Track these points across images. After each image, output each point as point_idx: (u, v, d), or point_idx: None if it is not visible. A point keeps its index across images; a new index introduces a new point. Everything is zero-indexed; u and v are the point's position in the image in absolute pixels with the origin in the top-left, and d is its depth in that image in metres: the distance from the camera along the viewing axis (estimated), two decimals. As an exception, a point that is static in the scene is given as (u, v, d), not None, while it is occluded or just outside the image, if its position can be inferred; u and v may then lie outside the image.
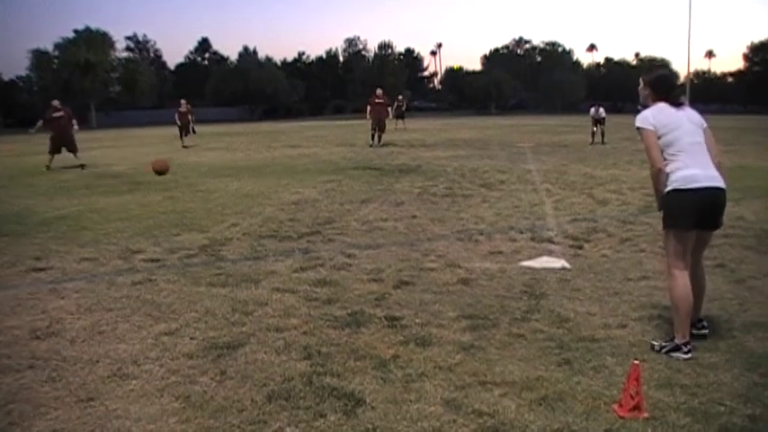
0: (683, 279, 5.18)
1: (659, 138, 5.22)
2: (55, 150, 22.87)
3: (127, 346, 5.57)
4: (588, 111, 31.70)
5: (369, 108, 31.17)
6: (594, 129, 30.13)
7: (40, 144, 24.55)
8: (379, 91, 31.74)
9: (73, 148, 23.15)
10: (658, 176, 5.27)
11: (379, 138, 30.33)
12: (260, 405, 4.38)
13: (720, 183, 5.14)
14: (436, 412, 4.21)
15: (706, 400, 4.31)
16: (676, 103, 5.38)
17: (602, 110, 30.48)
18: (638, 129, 5.35)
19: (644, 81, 5.58)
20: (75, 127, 23.61)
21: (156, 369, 5.05)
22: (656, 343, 5.23)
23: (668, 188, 5.20)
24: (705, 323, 5.45)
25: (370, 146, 29.29)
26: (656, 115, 5.30)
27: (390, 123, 44.45)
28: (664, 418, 4.06)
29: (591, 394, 4.42)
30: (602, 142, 29.15)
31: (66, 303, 6.81)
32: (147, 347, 5.52)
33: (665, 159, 5.22)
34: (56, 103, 23.92)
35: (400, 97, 49.46)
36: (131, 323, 6.14)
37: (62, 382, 4.86)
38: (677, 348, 5.07)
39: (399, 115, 46.40)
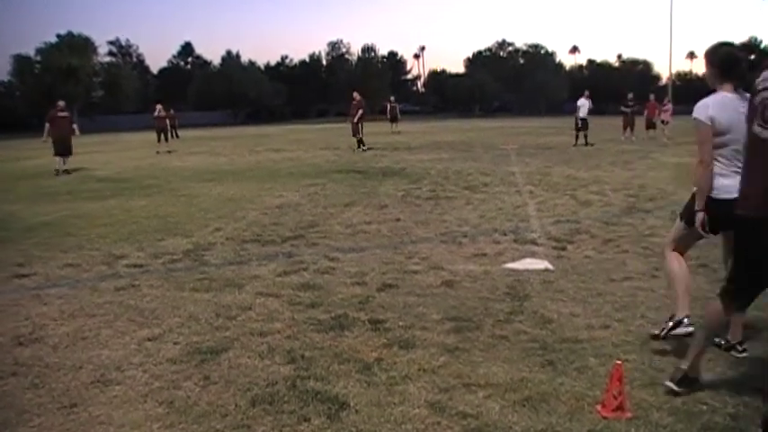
0: (676, 257, 5.28)
1: (719, 135, 4.88)
2: (59, 152, 22.89)
3: (110, 351, 5.55)
4: (575, 110, 31.02)
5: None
6: (578, 132, 29.93)
7: (22, 149, 24.48)
8: (354, 94, 31.56)
9: (69, 152, 23.17)
10: (704, 174, 4.95)
11: (358, 143, 30.00)
12: (244, 410, 4.37)
13: None
14: (420, 415, 4.22)
15: (688, 399, 4.33)
16: (738, 93, 4.89)
17: (587, 103, 30.17)
18: (694, 119, 4.96)
19: (708, 60, 5.04)
20: (77, 133, 23.62)
21: (140, 375, 5.04)
22: (656, 330, 5.22)
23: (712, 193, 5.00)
24: (745, 347, 5.21)
25: (354, 150, 29.07)
26: (717, 107, 4.90)
27: (386, 127, 44.73)
28: (647, 418, 4.08)
29: (574, 395, 4.44)
30: (586, 144, 29.00)
31: (49, 309, 6.78)
32: (130, 353, 5.50)
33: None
34: (62, 103, 23.89)
35: (392, 99, 49.28)
36: (114, 329, 6.12)
37: (45, 388, 4.84)
38: (678, 324, 5.05)
39: (393, 118, 46.36)
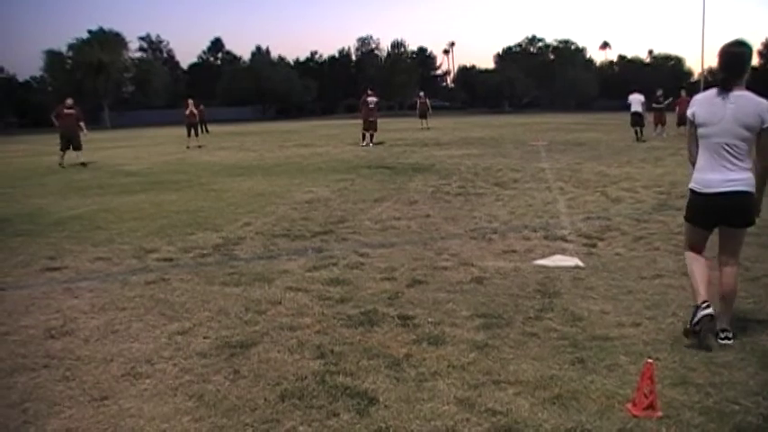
0: (693, 256, 5.43)
1: (700, 127, 5.19)
2: (65, 147, 23.96)
3: (140, 345, 5.59)
4: (628, 105, 30.74)
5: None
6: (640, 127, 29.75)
7: (52, 144, 24.82)
8: (369, 91, 32.18)
9: (77, 146, 24.20)
10: (691, 165, 5.44)
11: (371, 137, 30.59)
12: (273, 404, 4.38)
13: (738, 186, 5.05)
14: (449, 411, 4.21)
15: (720, 398, 4.29)
16: (726, 89, 5.04)
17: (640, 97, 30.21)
18: None
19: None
20: (84, 130, 24.82)
21: (170, 368, 5.07)
22: (688, 326, 5.21)
23: (689, 185, 5.34)
24: (729, 334, 5.27)
25: (362, 146, 29.56)
26: (701, 102, 5.23)
27: (416, 123, 45.01)
28: (678, 417, 4.04)
29: (604, 393, 4.40)
30: (637, 139, 29.10)
31: (79, 302, 6.83)
32: (160, 346, 5.53)
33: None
34: (69, 101, 24.90)
35: (421, 94, 48.95)
36: (145, 322, 6.16)
37: (76, 380, 4.88)
38: (696, 310, 5.10)
39: (422, 114, 46.12)
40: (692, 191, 5.30)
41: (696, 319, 5.04)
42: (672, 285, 6.85)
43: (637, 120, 29.76)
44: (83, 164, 23.60)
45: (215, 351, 5.38)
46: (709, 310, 5.02)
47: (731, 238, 5.34)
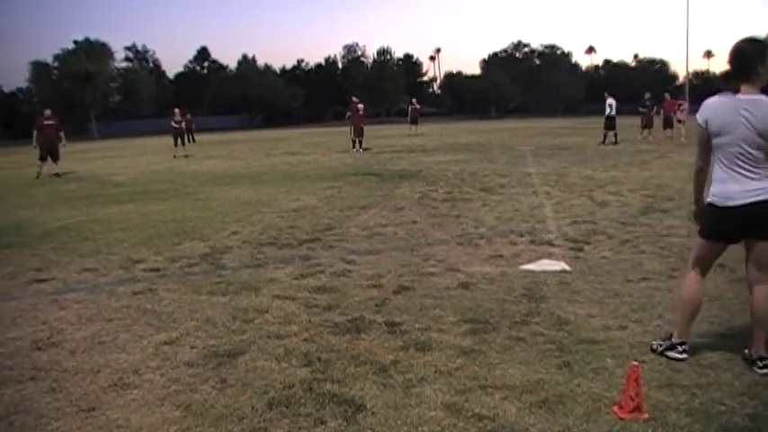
0: (694, 282, 5.10)
1: (714, 136, 4.80)
2: (44, 157, 24.17)
3: (127, 355, 5.57)
4: (605, 108, 31.67)
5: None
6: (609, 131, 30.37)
7: (37, 155, 24.76)
8: (354, 99, 33.14)
9: (56, 157, 24.40)
10: (695, 177, 5.09)
11: (360, 143, 31.48)
12: (260, 412, 4.38)
13: (762, 195, 4.65)
14: (437, 417, 4.22)
15: (706, 399, 4.31)
16: (734, 91, 4.71)
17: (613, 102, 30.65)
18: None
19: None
20: (63, 141, 25.15)
21: (157, 378, 5.06)
22: (655, 343, 5.23)
23: (707, 198, 4.98)
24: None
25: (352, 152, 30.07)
26: (713, 109, 4.82)
27: (406, 129, 45.75)
28: (664, 419, 4.06)
29: (591, 396, 4.42)
30: (615, 142, 29.69)
31: (67, 314, 6.81)
32: (147, 357, 5.52)
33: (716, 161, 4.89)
34: (48, 112, 25.29)
35: (414, 101, 49.42)
36: (132, 333, 6.14)
37: (63, 392, 4.86)
38: (672, 347, 5.08)
39: (413, 120, 46.59)
40: (711, 205, 4.93)
41: (668, 355, 5.07)
42: (658, 288, 6.89)
43: (614, 123, 30.17)
44: (57, 174, 23.82)
45: (202, 360, 5.38)
46: (685, 356, 5.01)
47: (761, 251, 4.89)
